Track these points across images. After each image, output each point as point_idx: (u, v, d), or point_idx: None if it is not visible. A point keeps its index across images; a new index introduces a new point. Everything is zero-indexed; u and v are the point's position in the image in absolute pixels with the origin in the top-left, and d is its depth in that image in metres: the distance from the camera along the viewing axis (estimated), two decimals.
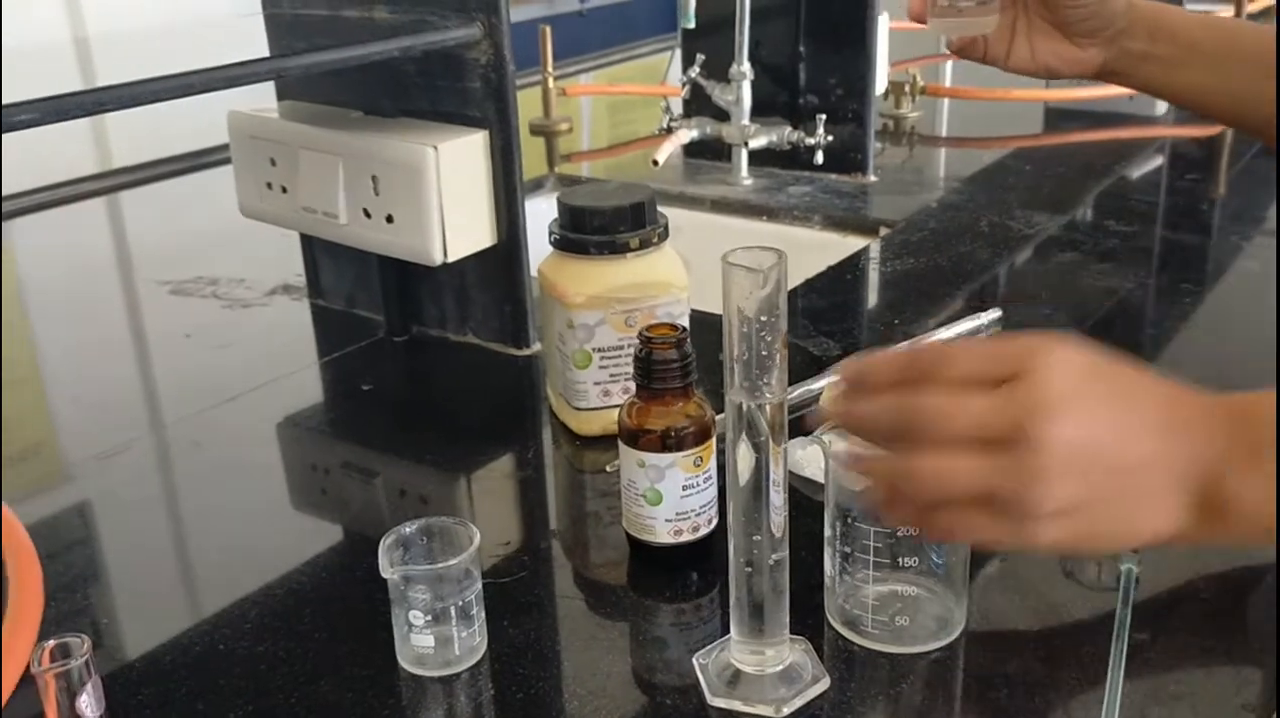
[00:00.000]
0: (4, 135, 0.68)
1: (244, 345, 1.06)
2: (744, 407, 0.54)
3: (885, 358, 0.53)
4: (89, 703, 0.47)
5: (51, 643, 0.47)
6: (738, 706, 0.57)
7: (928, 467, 0.50)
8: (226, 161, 1.06)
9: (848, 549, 0.61)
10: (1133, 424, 0.50)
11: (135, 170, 1.60)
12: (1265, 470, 0.50)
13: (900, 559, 0.59)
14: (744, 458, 0.55)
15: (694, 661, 0.60)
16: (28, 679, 0.53)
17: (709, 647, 0.61)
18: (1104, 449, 0.49)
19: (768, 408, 0.54)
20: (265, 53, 1.03)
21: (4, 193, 1.47)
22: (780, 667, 0.58)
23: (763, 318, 0.51)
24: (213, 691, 0.60)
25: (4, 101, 0.68)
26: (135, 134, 1.62)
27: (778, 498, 0.56)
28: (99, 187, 1.56)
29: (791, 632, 0.60)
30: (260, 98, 1.04)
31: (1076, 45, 0.85)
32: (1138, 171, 1.46)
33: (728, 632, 0.60)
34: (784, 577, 0.58)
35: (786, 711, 0.57)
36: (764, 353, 0.52)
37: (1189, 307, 1.04)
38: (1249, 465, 0.51)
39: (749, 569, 0.57)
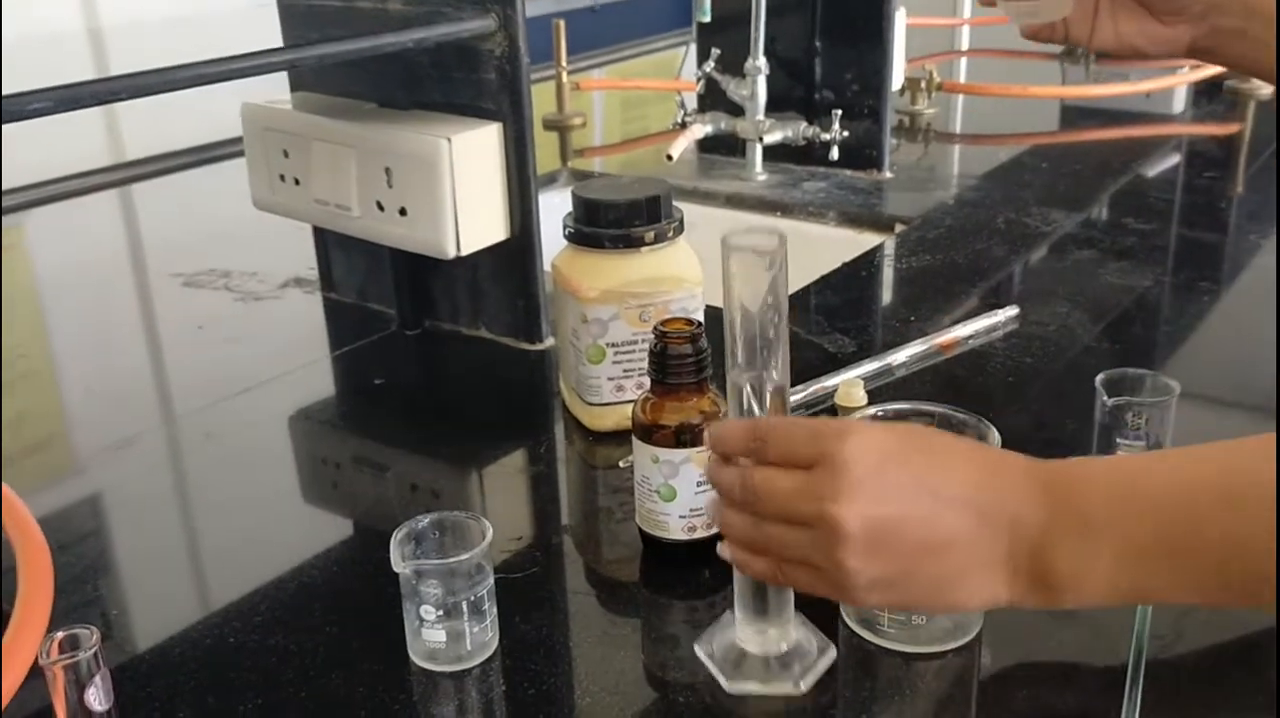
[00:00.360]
0: (17, 124, 0.68)
1: (256, 338, 1.06)
2: (746, 389, 0.54)
3: (733, 427, 0.55)
4: (97, 695, 0.47)
5: (60, 635, 0.47)
6: (756, 688, 0.57)
7: (752, 532, 0.54)
8: (239, 154, 1.06)
9: None
10: (938, 501, 0.51)
11: (148, 162, 1.60)
12: (1098, 541, 0.50)
13: None
14: None
15: (695, 649, 0.60)
16: (36, 671, 0.53)
17: (705, 632, 0.61)
18: (906, 528, 0.51)
19: (768, 391, 0.54)
20: (279, 44, 1.02)
21: (18, 184, 1.47)
22: (786, 645, 0.58)
23: (768, 299, 0.51)
24: (222, 684, 0.60)
25: (17, 91, 0.68)
26: (148, 126, 1.62)
27: None
28: (112, 179, 1.56)
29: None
30: (274, 89, 1.04)
31: (1164, 23, 0.81)
32: (1155, 169, 1.45)
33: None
34: None
35: (805, 686, 0.57)
36: (769, 334, 0.52)
37: (1206, 305, 1.03)
38: (1077, 537, 0.50)
39: None
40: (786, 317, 0.53)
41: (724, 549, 0.56)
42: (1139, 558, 0.50)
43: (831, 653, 0.58)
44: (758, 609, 0.58)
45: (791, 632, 0.59)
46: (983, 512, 0.51)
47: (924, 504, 0.51)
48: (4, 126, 0.67)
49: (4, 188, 1.46)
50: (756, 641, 0.58)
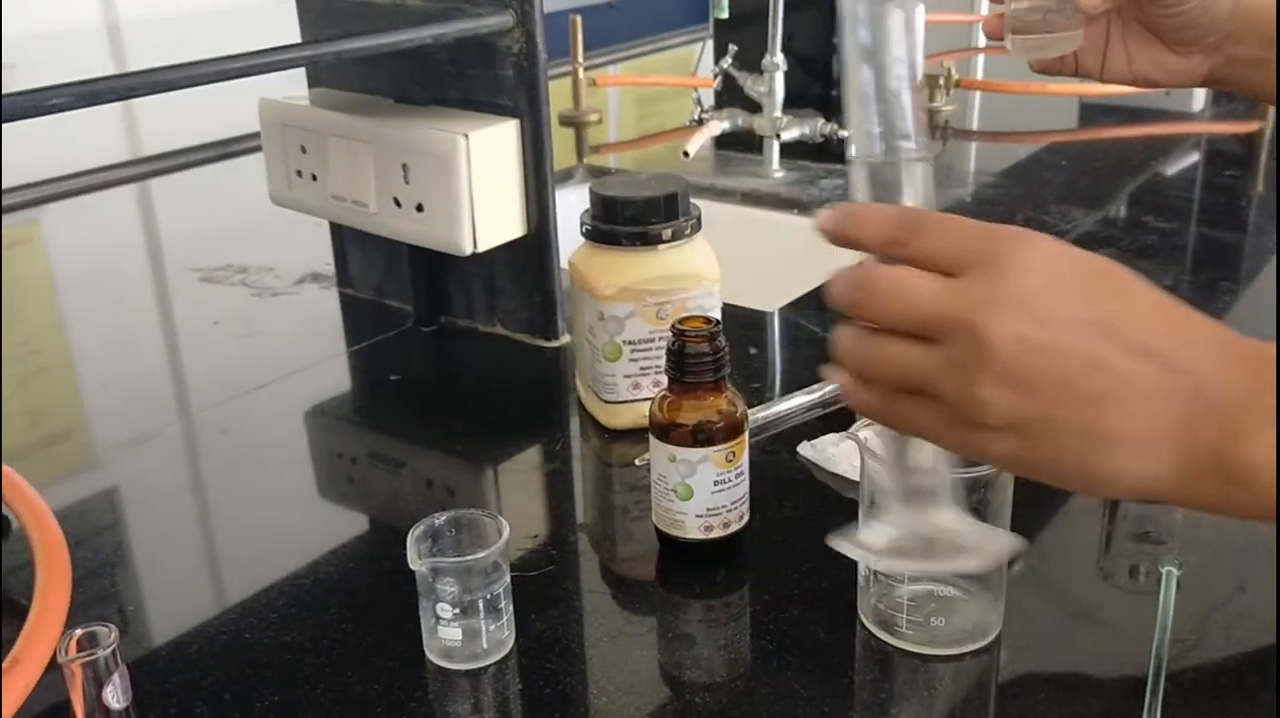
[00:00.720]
0: (35, 120, 0.68)
1: (272, 334, 1.06)
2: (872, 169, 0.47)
3: (873, 209, 0.47)
4: (115, 693, 0.47)
5: (79, 632, 0.47)
6: (934, 567, 0.51)
7: (860, 347, 0.46)
8: (257, 149, 1.06)
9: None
10: (1113, 341, 0.43)
11: (166, 158, 1.60)
12: None
13: None
14: None
15: (836, 545, 0.51)
16: (54, 667, 0.53)
17: (845, 539, 0.52)
18: (1066, 363, 0.42)
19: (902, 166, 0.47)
20: (297, 39, 1.02)
21: (35, 179, 1.48)
22: (952, 518, 0.51)
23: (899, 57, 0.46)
24: (239, 680, 0.60)
25: (35, 86, 0.68)
26: (166, 122, 1.63)
27: None
28: (129, 174, 1.57)
29: (822, 631, 0.58)
30: (291, 85, 1.04)
31: (1178, 54, 0.78)
32: (1174, 167, 1.44)
33: (756, 628, 0.59)
34: None
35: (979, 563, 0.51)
36: (893, 87, 0.46)
37: (1226, 304, 1.02)
38: (1267, 420, 0.42)
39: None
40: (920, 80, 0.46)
41: (830, 372, 0.47)
42: None
43: (972, 562, 0.51)
44: (905, 464, 0.49)
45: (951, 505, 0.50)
46: (1166, 367, 0.43)
47: (1094, 340, 0.42)
48: (23, 122, 0.67)
49: (22, 183, 1.46)
50: (912, 516, 0.50)
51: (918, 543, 0.51)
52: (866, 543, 0.52)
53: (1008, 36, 0.77)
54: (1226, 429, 0.42)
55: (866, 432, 0.60)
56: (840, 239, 0.47)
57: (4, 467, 0.74)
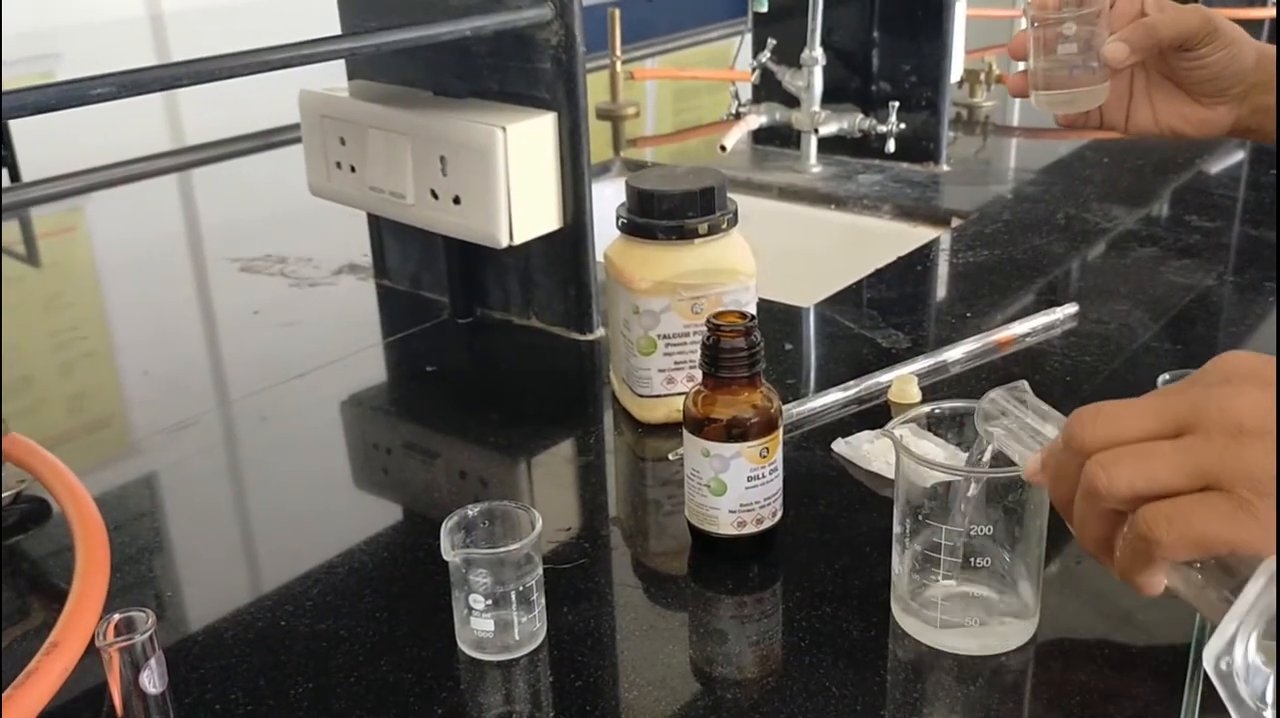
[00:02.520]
0: (78, 109, 0.69)
1: (310, 324, 1.07)
2: None
3: (1135, 409, 0.47)
4: (151, 678, 0.47)
5: (117, 617, 0.47)
6: None
7: (1108, 453, 0.44)
8: (297, 140, 1.07)
9: (918, 547, 0.59)
10: None
11: (207, 148, 1.61)
12: None
13: (972, 559, 0.58)
14: None
15: (1210, 669, 0.44)
16: (93, 652, 0.53)
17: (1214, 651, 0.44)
18: None
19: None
20: (337, 31, 1.03)
21: (79, 168, 1.49)
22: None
23: None
24: (274, 667, 0.60)
25: (80, 76, 0.69)
26: (208, 112, 1.64)
27: None
28: (172, 164, 1.58)
29: (855, 630, 0.58)
30: (331, 77, 1.04)
31: (1203, 105, 0.77)
32: (1218, 166, 1.42)
33: (788, 625, 0.58)
34: None
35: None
36: None
37: (1270, 305, 1.00)
38: None
39: None
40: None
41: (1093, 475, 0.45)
42: None
43: None
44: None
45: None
46: None
47: None
48: (68, 111, 0.68)
49: (65, 171, 1.48)
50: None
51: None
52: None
53: (1033, 93, 0.76)
54: None
55: (903, 429, 0.59)
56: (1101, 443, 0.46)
57: (42, 451, 0.75)
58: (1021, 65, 0.78)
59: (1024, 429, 0.54)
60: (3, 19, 1.22)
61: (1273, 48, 0.78)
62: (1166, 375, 0.71)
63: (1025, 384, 0.56)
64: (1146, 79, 0.79)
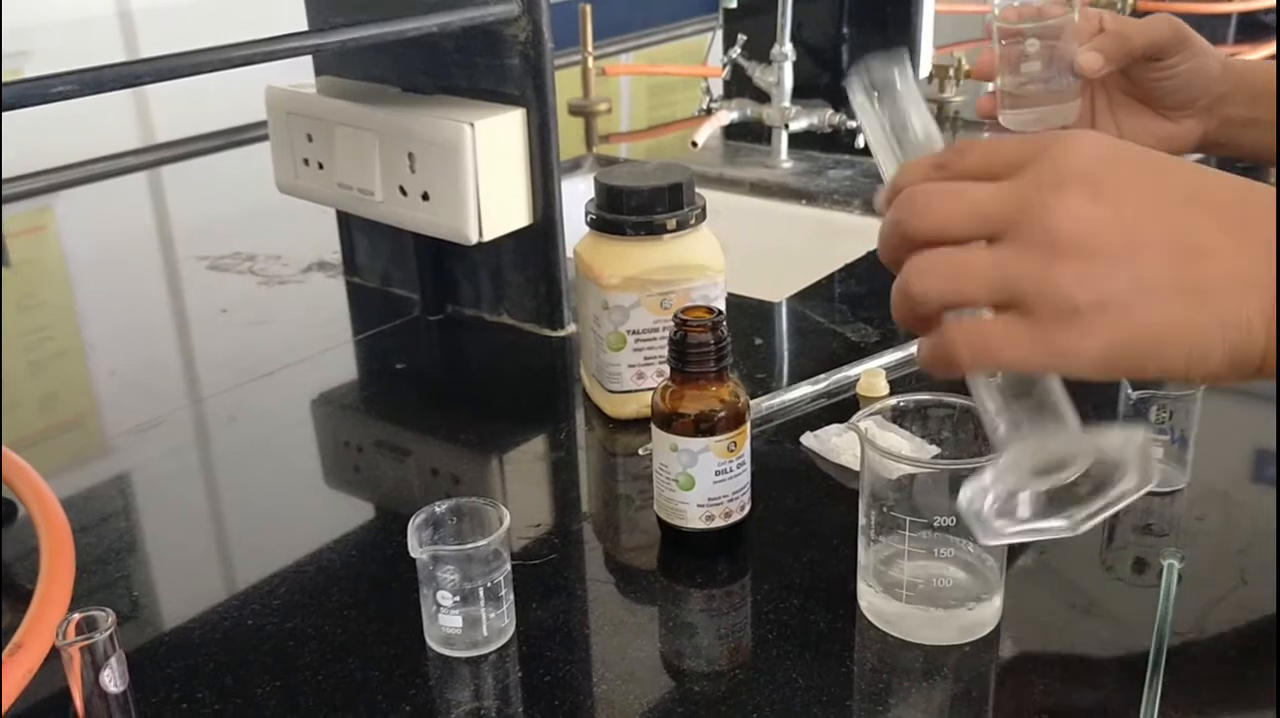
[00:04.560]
0: (47, 106, 0.68)
1: (279, 322, 1.06)
2: None
3: (909, 165, 0.45)
4: (113, 677, 0.47)
5: (77, 617, 0.47)
6: (1017, 531, 0.45)
7: (929, 258, 0.41)
8: (266, 137, 1.06)
9: (882, 539, 0.59)
10: (1191, 200, 0.40)
11: (176, 145, 1.60)
12: None
13: (936, 550, 0.58)
14: None
15: (963, 500, 0.44)
16: (54, 652, 0.53)
17: (972, 479, 0.44)
18: (1147, 227, 0.39)
19: None
20: (304, 27, 1.02)
21: (47, 166, 1.48)
22: (1080, 471, 0.45)
23: None
24: (240, 666, 0.60)
25: (44, 73, 0.68)
26: (178, 109, 1.63)
27: None
28: (141, 161, 1.57)
29: (822, 621, 0.58)
30: (299, 73, 1.04)
31: (1170, 119, 0.75)
32: (1189, 159, 1.43)
33: (757, 618, 0.59)
34: None
35: (1083, 526, 0.45)
36: None
37: None
38: None
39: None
40: None
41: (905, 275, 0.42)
42: None
43: (1133, 482, 0.45)
44: (1014, 420, 0.44)
45: (1072, 447, 0.45)
46: (1248, 211, 0.40)
47: (1170, 200, 0.40)
48: (35, 109, 0.67)
49: (35, 170, 1.47)
50: (1027, 475, 0.44)
51: (1025, 496, 0.45)
52: (985, 502, 0.44)
53: (1001, 113, 0.74)
54: None
55: (868, 422, 0.60)
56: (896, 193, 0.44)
57: (8, 453, 0.74)
58: (991, 86, 0.76)
59: (894, 124, 0.48)
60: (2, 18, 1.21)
61: (1238, 60, 0.77)
62: (1132, 394, 0.71)
63: (905, 55, 0.50)
64: (1108, 96, 0.76)
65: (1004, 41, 0.74)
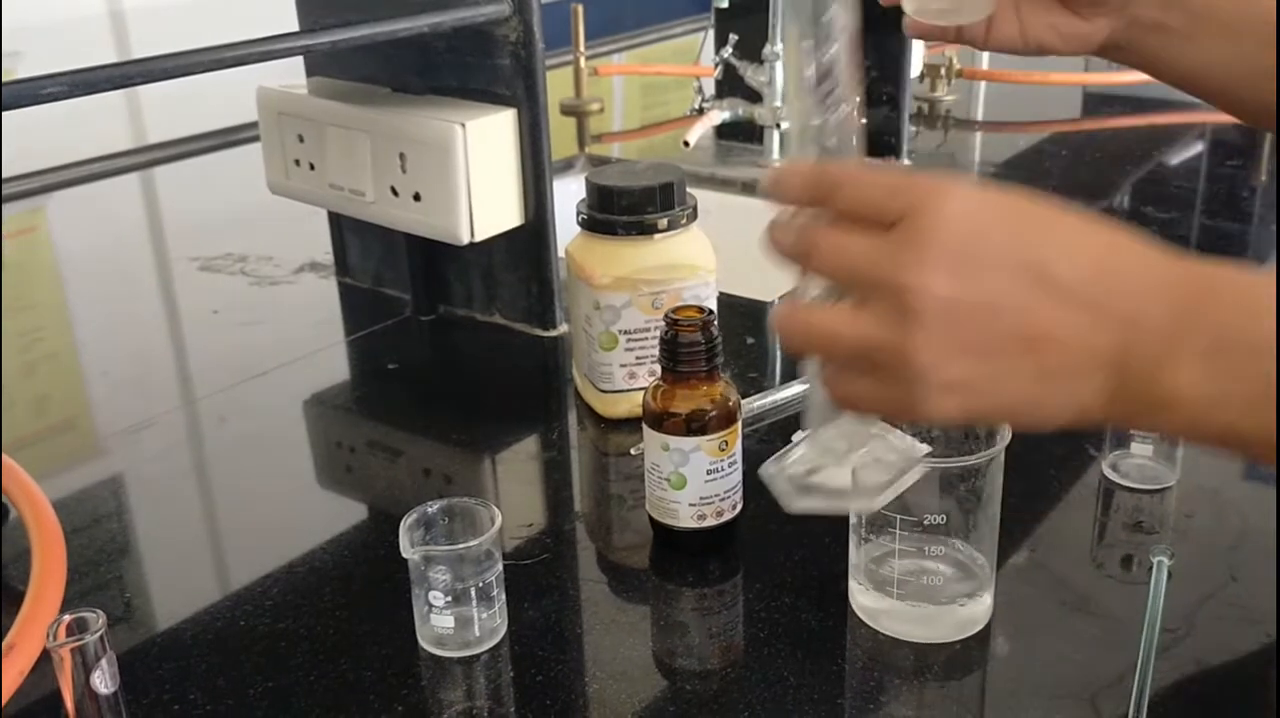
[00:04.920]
0: (40, 107, 0.68)
1: (271, 323, 1.06)
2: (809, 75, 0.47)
3: (795, 171, 0.46)
4: (103, 678, 0.47)
5: (68, 618, 0.47)
6: (820, 506, 0.50)
7: (787, 315, 0.45)
8: (257, 138, 1.06)
9: (873, 537, 0.60)
10: (1042, 285, 0.41)
11: (169, 146, 1.60)
12: (1228, 370, 0.41)
13: (926, 548, 0.59)
14: None
15: (763, 472, 0.51)
16: (45, 654, 0.53)
17: (778, 454, 0.51)
18: (999, 316, 0.41)
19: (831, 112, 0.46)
20: (295, 28, 1.02)
21: (40, 168, 1.48)
22: (864, 456, 0.50)
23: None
24: (233, 667, 0.60)
25: (35, 74, 0.68)
26: (171, 110, 1.63)
27: None
28: (133, 162, 1.57)
29: (814, 620, 0.59)
30: (290, 73, 1.04)
31: (1079, 16, 0.67)
32: (1177, 158, 1.43)
33: (748, 616, 0.59)
34: None
35: (878, 503, 0.52)
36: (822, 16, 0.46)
37: None
38: (1203, 360, 0.41)
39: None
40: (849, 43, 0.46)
41: (774, 323, 0.46)
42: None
43: (917, 470, 0.52)
44: (825, 413, 0.49)
45: (868, 439, 0.50)
46: (1097, 304, 0.41)
47: (1025, 288, 0.41)
48: (28, 110, 0.67)
49: (27, 171, 1.47)
50: (826, 454, 0.50)
51: (825, 476, 0.51)
52: (785, 473, 0.51)
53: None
54: (1155, 358, 0.42)
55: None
56: (775, 197, 0.46)
57: (4, 456, 0.74)
58: None
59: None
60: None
61: None
62: None
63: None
64: None
65: None
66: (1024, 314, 0.41)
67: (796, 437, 0.52)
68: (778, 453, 0.51)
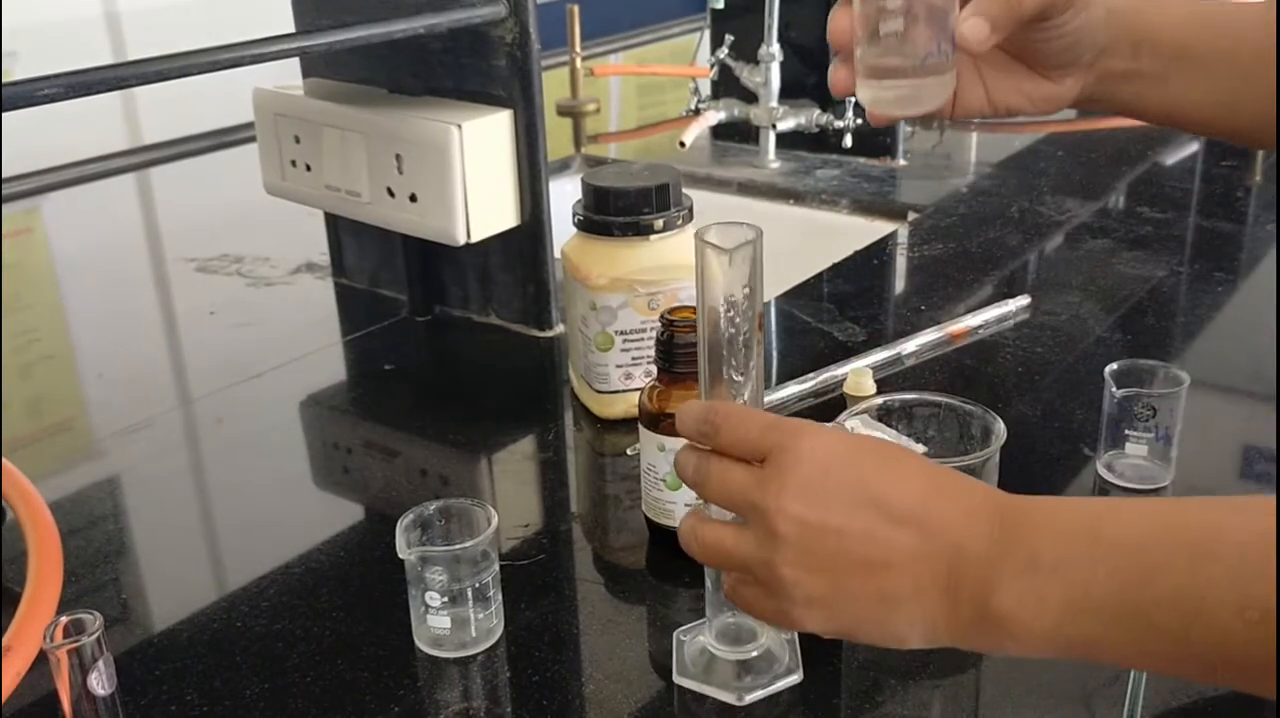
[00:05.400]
0: (36, 109, 0.68)
1: (267, 324, 1.06)
2: (705, 377, 0.53)
3: (690, 407, 0.53)
4: (100, 680, 0.47)
5: (64, 619, 0.47)
6: (694, 685, 0.57)
7: (690, 530, 0.52)
8: (254, 138, 1.06)
9: None
10: (881, 515, 0.47)
11: (165, 147, 1.60)
12: (1046, 583, 0.45)
13: None
14: None
15: (674, 636, 0.60)
16: (42, 656, 0.53)
17: (690, 625, 0.60)
18: (844, 540, 0.47)
19: (745, 394, 0.53)
20: (291, 29, 1.02)
21: (35, 168, 1.48)
22: (754, 653, 0.58)
23: (732, 298, 0.50)
24: (229, 668, 0.60)
25: (28, 77, 0.68)
26: (166, 111, 1.63)
27: None
28: (129, 163, 1.57)
29: None
30: (287, 75, 1.04)
31: (1050, 79, 0.65)
32: (1172, 158, 1.44)
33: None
34: None
35: (747, 699, 0.56)
36: (739, 338, 0.52)
37: (1222, 296, 1.02)
38: (1023, 575, 0.45)
39: None
40: (760, 315, 0.52)
41: (680, 534, 0.54)
42: (1091, 609, 0.44)
43: (797, 675, 0.57)
44: (724, 605, 0.57)
45: (763, 639, 0.58)
46: (926, 532, 0.47)
47: (866, 516, 0.48)
48: (23, 111, 0.67)
49: (23, 172, 1.47)
50: (724, 644, 0.58)
51: (716, 660, 0.59)
52: (685, 649, 0.60)
53: (860, 85, 0.60)
54: (981, 582, 0.46)
55: (853, 421, 0.60)
56: (681, 433, 0.53)
57: None
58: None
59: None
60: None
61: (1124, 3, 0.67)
62: (1114, 366, 0.72)
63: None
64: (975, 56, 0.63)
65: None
66: (863, 539, 0.48)
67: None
68: (691, 625, 0.60)
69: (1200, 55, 0.66)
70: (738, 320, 0.51)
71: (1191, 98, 0.67)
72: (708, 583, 0.58)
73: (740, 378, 0.52)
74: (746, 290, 0.51)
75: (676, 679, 0.57)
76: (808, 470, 0.48)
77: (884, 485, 0.48)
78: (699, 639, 0.59)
